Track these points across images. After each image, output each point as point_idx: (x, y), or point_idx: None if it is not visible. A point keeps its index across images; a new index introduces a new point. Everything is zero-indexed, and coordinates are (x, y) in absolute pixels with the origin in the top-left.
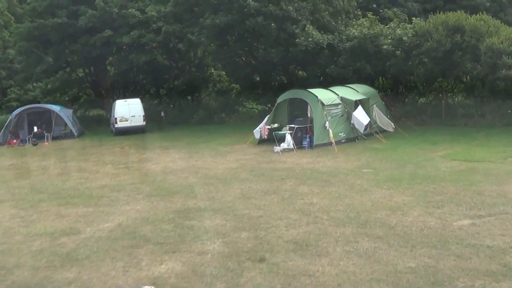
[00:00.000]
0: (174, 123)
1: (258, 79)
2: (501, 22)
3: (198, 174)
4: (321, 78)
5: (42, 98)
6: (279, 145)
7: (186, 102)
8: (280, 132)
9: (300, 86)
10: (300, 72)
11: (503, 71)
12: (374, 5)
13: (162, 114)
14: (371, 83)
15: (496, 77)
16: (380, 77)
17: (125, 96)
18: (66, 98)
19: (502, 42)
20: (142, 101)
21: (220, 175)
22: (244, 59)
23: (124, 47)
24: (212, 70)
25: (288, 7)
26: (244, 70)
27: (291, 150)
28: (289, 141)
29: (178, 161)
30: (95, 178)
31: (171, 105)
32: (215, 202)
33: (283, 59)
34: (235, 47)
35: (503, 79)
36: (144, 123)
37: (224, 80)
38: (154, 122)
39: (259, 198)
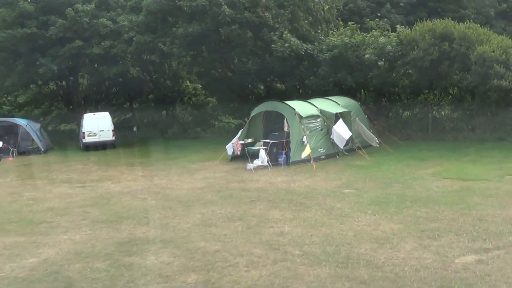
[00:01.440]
0: (147, 138)
1: (262, 87)
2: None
3: (159, 195)
4: (300, 90)
5: (16, 112)
6: (253, 162)
7: (160, 116)
8: (253, 148)
9: (278, 98)
10: (279, 84)
11: (495, 81)
12: (356, 17)
13: (135, 128)
14: (352, 96)
15: (488, 87)
16: (362, 90)
17: (97, 109)
18: (38, 112)
19: (494, 51)
20: (115, 115)
21: (182, 197)
22: (219, 71)
23: (95, 58)
24: (188, 83)
25: (265, 14)
26: (220, 82)
27: (266, 167)
28: (263, 158)
29: (140, 180)
30: (45, 199)
31: (145, 120)
32: (168, 231)
33: (260, 70)
34: (210, 58)
35: (495, 90)
36: (114, 137)
37: (200, 94)
38: (127, 137)
39: (220, 226)
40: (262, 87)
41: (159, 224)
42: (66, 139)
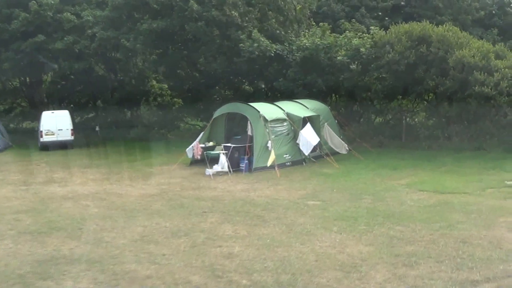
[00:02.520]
0: (109, 139)
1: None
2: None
3: (104, 202)
4: (269, 93)
5: None
6: (212, 168)
7: (124, 116)
8: (212, 152)
9: (245, 101)
10: (248, 86)
11: (476, 88)
12: (330, 20)
13: (97, 128)
14: (323, 100)
15: (467, 94)
16: (334, 94)
17: (61, 107)
18: (3, 109)
19: (473, 56)
20: (78, 114)
21: (128, 205)
22: (186, 70)
23: (58, 54)
24: (154, 83)
25: (232, 12)
26: (186, 82)
27: (226, 173)
28: (223, 163)
29: (89, 184)
30: None
31: (108, 119)
32: (99, 248)
33: (227, 71)
34: (175, 57)
35: (475, 97)
36: (72, 137)
37: (166, 94)
38: (89, 137)
39: (161, 243)
40: (263, 86)
41: (92, 239)
42: (28, 138)
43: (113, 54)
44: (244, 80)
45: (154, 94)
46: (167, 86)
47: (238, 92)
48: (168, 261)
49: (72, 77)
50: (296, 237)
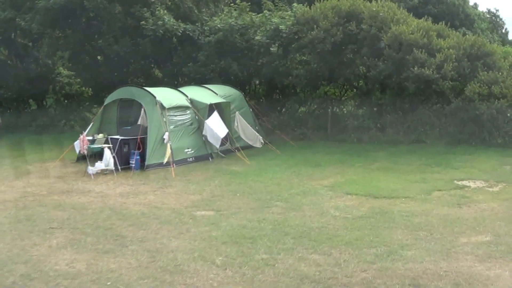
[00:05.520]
0: (10, 131)
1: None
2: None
3: None
4: (179, 78)
5: None
6: (94, 165)
7: (28, 106)
8: (93, 146)
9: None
10: (160, 72)
11: (415, 69)
12: (255, 6)
13: None
14: (241, 88)
15: (404, 77)
16: (253, 81)
17: None
18: None
19: (413, 32)
20: None
21: None
22: (90, 54)
23: None
24: (61, 70)
25: None
26: (90, 68)
27: (112, 172)
28: (108, 160)
29: None
30: None
31: (11, 109)
32: None
33: (133, 54)
34: (76, 39)
35: (414, 80)
36: None
37: (74, 82)
38: None
39: None
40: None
41: None
42: None
43: (18, 39)
44: (152, 65)
45: (61, 83)
46: (74, 73)
47: (150, 79)
48: None
49: None
50: (153, 277)
